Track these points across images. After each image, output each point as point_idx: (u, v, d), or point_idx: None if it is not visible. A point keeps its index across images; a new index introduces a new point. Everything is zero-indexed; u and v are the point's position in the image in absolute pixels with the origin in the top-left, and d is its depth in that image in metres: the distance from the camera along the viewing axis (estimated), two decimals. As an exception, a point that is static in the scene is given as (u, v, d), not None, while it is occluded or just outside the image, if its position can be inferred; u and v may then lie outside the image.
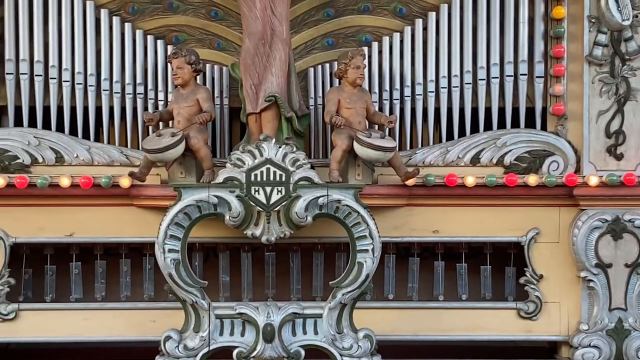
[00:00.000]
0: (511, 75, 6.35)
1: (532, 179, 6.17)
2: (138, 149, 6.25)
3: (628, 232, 6.17)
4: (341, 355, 5.74)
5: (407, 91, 6.39)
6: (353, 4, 6.46)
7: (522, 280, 6.30)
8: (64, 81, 6.28)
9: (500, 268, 6.42)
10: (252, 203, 5.70)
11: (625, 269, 6.18)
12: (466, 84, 6.37)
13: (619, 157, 6.23)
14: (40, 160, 6.20)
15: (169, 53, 6.16)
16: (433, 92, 6.38)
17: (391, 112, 6.34)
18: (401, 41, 6.38)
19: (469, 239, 6.35)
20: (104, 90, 6.31)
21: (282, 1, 6.01)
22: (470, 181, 6.14)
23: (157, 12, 6.43)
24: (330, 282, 5.86)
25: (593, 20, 6.19)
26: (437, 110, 6.40)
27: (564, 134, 6.31)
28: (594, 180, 6.13)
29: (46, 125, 6.29)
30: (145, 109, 6.31)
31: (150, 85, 6.35)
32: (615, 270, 6.19)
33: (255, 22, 5.96)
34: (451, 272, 6.42)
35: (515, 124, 6.38)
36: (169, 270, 5.65)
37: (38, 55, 6.27)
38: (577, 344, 6.19)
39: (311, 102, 6.39)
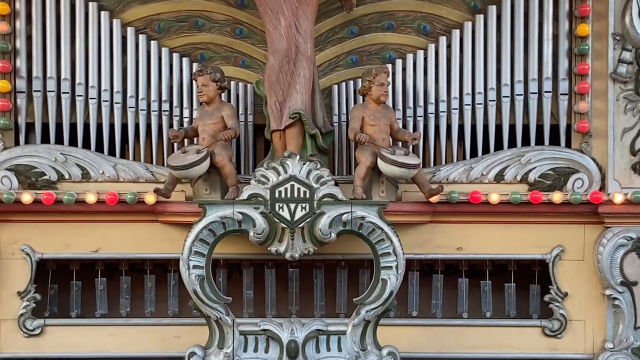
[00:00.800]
0: (535, 93, 6.36)
1: (556, 197, 6.16)
2: (163, 165, 6.27)
3: None
4: None
5: (431, 108, 6.41)
6: (377, 21, 6.48)
7: (546, 298, 6.29)
8: (90, 98, 6.31)
9: (524, 285, 6.40)
10: (276, 220, 5.69)
11: None
12: (490, 101, 6.38)
13: None
14: (67, 176, 6.23)
15: (194, 70, 6.19)
16: (457, 109, 6.40)
17: (415, 129, 6.35)
18: (425, 58, 6.40)
19: (493, 256, 6.34)
20: (129, 107, 6.33)
21: (306, 19, 6.02)
22: (494, 198, 6.14)
23: (183, 30, 6.46)
24: (354, 299, 5.85)
25: (617, 37, 6.20)
26: (461, 127, 6.41)
27: (589, 151, 6.31)
28: (619, 198, 6.12)
29: (72, 142, 6.32)
30: (171, 126, 6.34)
31: (175, 103, 6.38)
32: None
33: (280, 40, 5.97)
34: (475, 289, 6.41)
35: (539, 141, 6.37)
36: (193, 287, 5.66)
37: (65, 73, 6.31)
38: None
39: (335, 119, 6.40)
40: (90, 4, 6.33)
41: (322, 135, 6.10)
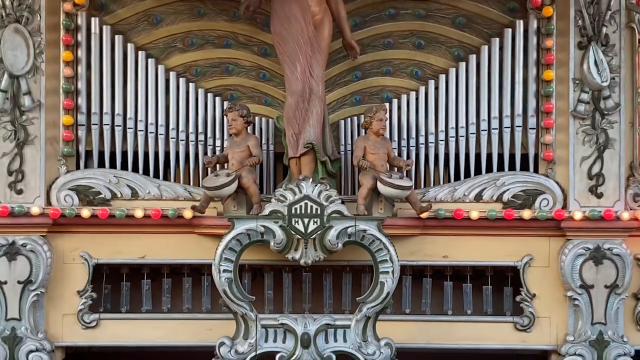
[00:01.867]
0: (508, 127, 6.33)
1: (526, 214, 6.15)
2: (199, 186, 6.23)
3: (607, 258, 6.10)
4: (367, 359, 5.73)
5: (422, 139, 6.38)
6: (377, 67, 6.47)
7: (518, 298, 6.24)
8: (139, 130, 6.31)
9: (499, 288, 6.35)
10: (292, 232, 5.72)
11: (605, 290, 6.10)
12: (471, 133, 6.35)
13: (599, 196, 6.17)
14: (119, 195, 6.23)
15: (225, 108, 6.20)
16: (443, 140, 6.37)
17: (408, 157, 6.32)
18: (416, 98, 6.38)
19: (473, 263, 6.30)
20: (171, 137, 6.33)
21: (318, 65, 6.05)
22: (474, 215, 6.13)
23: (216, 74, 6.45)
24: (357, 298, 5.87)
25: (577, 81, 6.18)
26: (447, 156, 6.38)
27: (553, 176, 6.27)
28: (578, 215, 6.10)
29: (124, 167, 6.31)
30: (205, 153, 6.33)
31: (209, 134, 6.37)
32: (597, 290, 6.11)
33: (296, 83, 5.99)
34: (458, 291, 6.35)
35: (511, 167, 6.34)
36: (223, 287, 5.69)
37: (118, 109, 6.31)
38: (564, 353, 6.14)
39: (342, 148, 6.38)
40: (140, 52, 6.35)
41: (331, 162, 6.10)
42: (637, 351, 6.17)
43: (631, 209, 6.20)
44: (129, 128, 6.33)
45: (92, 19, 6.31)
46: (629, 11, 6.22)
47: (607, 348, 6.10)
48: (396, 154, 6.24)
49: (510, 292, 6.33)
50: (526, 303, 6.22)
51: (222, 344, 5.74)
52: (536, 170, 6.33)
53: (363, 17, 6.46)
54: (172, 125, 6.36)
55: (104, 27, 6.33)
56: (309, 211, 5.75)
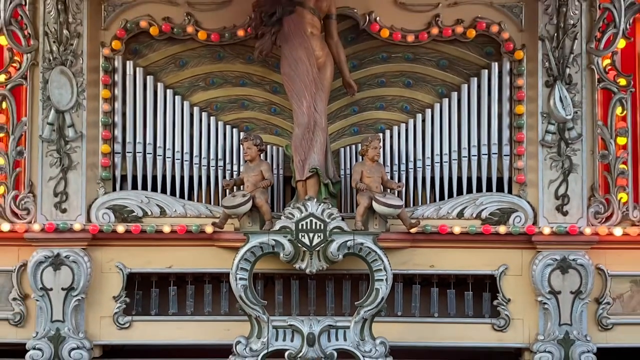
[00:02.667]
0: (486, 154, 6.32)
1: (502, 229, 6.16)
2: (218, 205, 6.22)
3: (572, 268, 6.08)
4: (363, 356, 5.71)
5: (411, 165, 6.36)
6: (372, 103, 6.47)
7: (495, 302, 6.23)
8: (167, 157, 6.31)
9: (479, 293, 6.33)
10: (299, 245, 5.75)
11: (571, 295, 6.09)
12: (453, 159, 6.33)
13: (565, 214, 6.17)
14: (149, 213, 6.24)
15: (241, 138, 6.24)
16: (429, 165, 6.35)
17: (399, 179, 6.32)
18: (406, 129, 6.37)
19: (456, 272, 6.28)
20: (195, 163, 6.32)
21: (321, 101, 6.07)
22: (456, 230, 6.15)
23: (233, 109, 6.44)
24: (355, 303, 5.89)
25: (545, 115, 6.19)
26: (432, 179, 6.36)
27: (525, 196, 6.27)
28: (547, 230, 6.12)
29: (154, 189, 6.31)
30: (224, 177, 6.31)
31: (227, 160, 6.36)
32: (563, 296, 6.09)
33: (303, 116, 6.01)
34: (443, 296, 6.33)
35: (489, 189, 6.34)
36: (239, 293, 5.72)
37: (149, 139, 6.32)
38: (535, 350, 6.10)
39: (342, 172, 6.35)
40: (168, 90, 6.35)
41: (332, 184, 6.09)
42: (599, 349, 6.13)
43: (592, 225, 6.19)
44: (158, 155, 6.31)
45: (127, 62, 6.33)
46: (589, 55, 6.25)
47: (572, 346, 6.08)
48: (389, 177, 6.23)
49: (488, 297, 6.30)
50: (502, 307, 6.20)
51: (238, 342, 5.73)
52: (510, 192, 6.31)
53: (360, 59, 6.46)
54: (195, 152, 6.33)
55: (137, 69, 6.34)
56: (313, 227, 5.77)
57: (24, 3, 6.19)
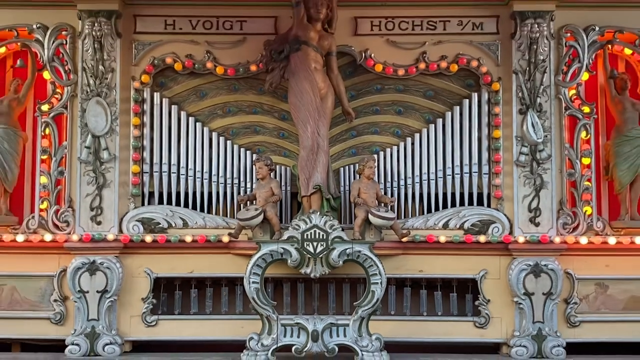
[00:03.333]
0: (467, 172, 6.36)
1: (482, 238, 6.21)
2: (234, 218, 6.24)
3: (544, 272, 6.10)
4: (361, 350, 5.69)
5: (402, 182, 6.40)
6: (367, 128, 6.49)
7: (476, 303, 6.24)
8: (189, 176, 6.34)
9: (462, 295, 6.33)
10: (304, 252, 5.77)
11: (543, 296, 6.09)
12: (439, 177, 6.37)
13: (537, 225, 6.19)
14: (173, 225, 6.28)
15: (253, 159, 6.27)
16: (418, 182, 6.38)
17: (392, 195, 6.35)
18: (398, 151, 6.42)
19: (442, 275, 6.28)
20: (213, 181, 6.35)
21: (324, 126, 6.12)
22: (442, 239, 6.18)
23: (247, 134, 6.48)
24: (354, 303, 5.91)
25: (519, 138, 6.23)
26: (421, 194, 6.39)
27: (502, 210, 6.30)
28: (521, 239, 6.16)
29: (177, 203, 6.33)
30: (239, 193, 6.36)
31: (241, 178, 6.39)
32: (536, 297, 6.09)
33: (307, 140, 6.07)
34: (431, 297, 6.31)
35: (470, 203, 6.36)
36: (252, 295, 5.73)
37: (173, 160, 6.37)
38: (512, 345, 6.12)
39: (342, 189, 6.37)
40: (190, 118, 6.40)
41: (333, 199, 6.13)
42: (568, 343, 6.12)
43: (561, 235, 6.23)
44: (181, 174, 6.36)
45: (155, 93, 6.39)
46: (557, 86, 6.31)
47: (544, 341, 6.08)
48: (383, 193, 6.26)
49: (470, 298, 6.30)
50: (483, 307, 6.22)
51: (251, 338, 5.73)
52: (489, 205, 6.35)
53: (357, 90, 6.49)
54: (213, 172, 6.37)
55: (163, 99, 6.40)
56: (317, 237, 5.78)
57: (65, 42, 6.34)
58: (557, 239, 6.19)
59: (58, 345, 6.18)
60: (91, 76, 6.22)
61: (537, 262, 6.13)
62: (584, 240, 6.23)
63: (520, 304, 6.15)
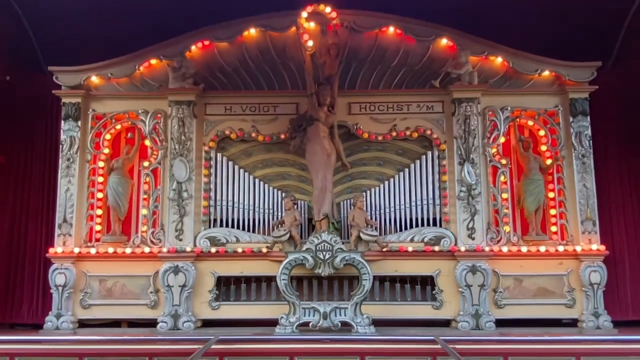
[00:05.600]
0: (426, 204, 6.39)
1: (436, 248, 6.24)
2: (269, 235, 6.26)
3: (478, 271, 6.12)
4: (356, 325, 5.65)
5: (382, 211, 6.39)
6: (358, 175, 6.54)
7: (433, 292, 6.21)
8: (240, 208, 6.39)
9: (424, 287, 6.26)
10: (317, 259, 5.79)
11: (478, 287, 6.09)
12: (407, 207, 6.40)
13: (473, 239, 6.22)
14: (230, 241, 6.30)
15: (283, 196, 6.35)
16: (393, 211, 6.40)
17: (375, 219, 6.34)
18: (379, 190, 6.46)
19: (410, 274, 6.23)
20: (256, 211, 6.41)
21: (329, 174, 6.22)
22: (410, 249, 6.23)
23: (278, 179, 6.52)
24: (351, 293, 5.87)
25: (459, 181, 6.30)
26: (395, 219, 6.41)
27: (449, 229, 6.32)
28: (463, 249, 6.20)
29: (232, 226, 6.36)
30: (273, 219, 6.39)
31: (275, 209, 6.41)
32: (474, 288, 6.09)
33: (319, 183, 6.16)
34: (403, 288, 6.26)
35: (428, 224, 6.36)
36: (282, 288, 5.74)
37: (229, 197, 6.41)
38: (458, 320, 6.07)
39: (342, 216, 6.42)
40: (241, 169, 6.45)
41: (336, 223, 6.26)
42: (496, 319, 6.06)
43: (489, 245, 6.25)
44: (235, 207, 6.40)
45: (218, 154, 6.52)
46: (483, 146, 6.43)
47: (480, 318, 6.05)
48: (369, 218, 6.28)
49: (429, 289, 6.25)
50: (438, 295, 6.20)
51: (281, 317, 5.71)
52: (440, 226, 6.37)
53: (351, 150, 6.55)
54: (256, 205, 6.41)
55: (223, 157, 6.51)
56: (325, 248, 5.80)
57: (159, 122, 6.53)
58: (487, 248, 6.24)
59: (152, 323, 6.21)
60: (176, 143, 6.37)
61: (473, 264, 6.15)
62: (505, 249, 6.29)
63: (463, 292, 6.14)
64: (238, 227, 6.40)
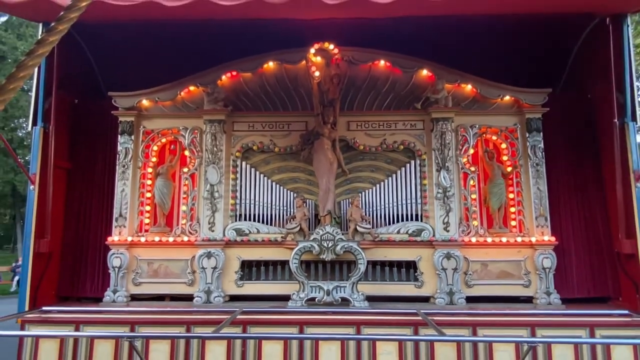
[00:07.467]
0: (409, 203, 6.24)
1: (418, 239, 6.09)
2: (284, 227, 6.15)
3: (452, 257, 6.05)
4: (354, 300, 5.67)
5: (375, 208, 6.28)
6: (355, 179, 6.42)
7: (416, 274, 6.10)
8: (260, 205, 6.27)
9: (408, 270, 6.16)
10: (322, 247, 5.81)
11: (452, 270, 6.00)
12: (394, 205, 6.17)
13: (448, 231, 6.11)
14: (252, 232, 6.21)
15: (295, 196, 6.23)
16: (383, 208, 6.24)
17: (369, 215, 6.22)
18: (372, 192, 6.31)
19: (397, 259, 6.13)
20: (273, 208, 6.23)
21: (332, 178, 6.13)
22: (397, 239, 6.08)
23: (291, 183, 6.41)
24: (349, 274, 5.85)
25: (436, 184, 6.19)
26: (385, 215, 6.26)
27: (428, 223, 6.19)
28: (439, 239, 6.08)
29: (254, 220, 6.25)
30: (286, 215, 6.24)
31: (288, 207, 6.28)
32: (449, 271, 6.03)
33: (323, 186, 6.13)
34: (391, 271, 6.17)
35: (411, 219, 6.23)
36: (294, 270, 5.76)
37: (252, 197, 6.31)
38: (436, 297, 6.01)
39: (342, 212, 6.28)
40: (261, 175, 6.34)
41: (337, 218, 6.13)
42: (467, 296, 5.97)
43: (461, 237, 6.13)
44: (256, 205, 6.29)
45: (242, 162, 6.39)
46: (456, 157, 6.31)
47: (453, 295, 5.97)
48: (364, 214, 6.17)
49: (412, 272, 6.13)
50: (419, 276, 6.11)
51: (293, 293, 5.71)
52: (421, 220, 6.23)
53: (349, 159, 6.44)
54: (273, 203, 6.29)
55: (247, 165, 6.39)
56: (328, 238, 5.82)
57: (196, 136, 6.55)
58: (459, 239, 6.11)
59: (189, 297, 6.12)
60: (210, 153, 6.30)
61: (448, 251, 6.08)
62: (473, 240, 6.18)
63: (439, 274, 6.08)
64: (259, 221, 6.31)
